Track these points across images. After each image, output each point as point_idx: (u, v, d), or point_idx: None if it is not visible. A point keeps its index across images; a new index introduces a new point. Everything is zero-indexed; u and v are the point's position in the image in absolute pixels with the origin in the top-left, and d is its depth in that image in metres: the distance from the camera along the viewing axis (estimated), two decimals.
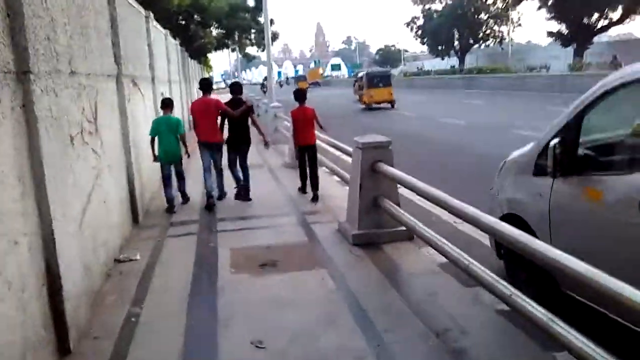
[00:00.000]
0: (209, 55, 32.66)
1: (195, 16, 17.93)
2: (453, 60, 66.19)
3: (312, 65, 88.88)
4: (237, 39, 20.55)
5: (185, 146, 7.05)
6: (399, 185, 5.10)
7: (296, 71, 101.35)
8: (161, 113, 7.21)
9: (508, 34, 54.92)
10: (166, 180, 6.92)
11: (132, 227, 6.05)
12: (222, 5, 17.84)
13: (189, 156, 7.27)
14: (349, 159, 6.17)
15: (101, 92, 4.83)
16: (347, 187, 6.54)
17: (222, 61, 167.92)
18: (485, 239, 4.68)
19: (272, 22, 18.65)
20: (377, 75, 26.88)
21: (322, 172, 8.15)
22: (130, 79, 6.51)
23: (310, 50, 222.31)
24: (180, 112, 13.63)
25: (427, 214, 5.86)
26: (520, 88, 27.19)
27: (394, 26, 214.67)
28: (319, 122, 7.41)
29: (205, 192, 7.09)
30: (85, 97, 4.23)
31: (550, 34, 44.93)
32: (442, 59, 66.40)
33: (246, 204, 7.23)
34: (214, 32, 19.70)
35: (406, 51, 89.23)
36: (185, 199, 7.31)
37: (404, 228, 4.92)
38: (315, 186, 7.19)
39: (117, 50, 5.63)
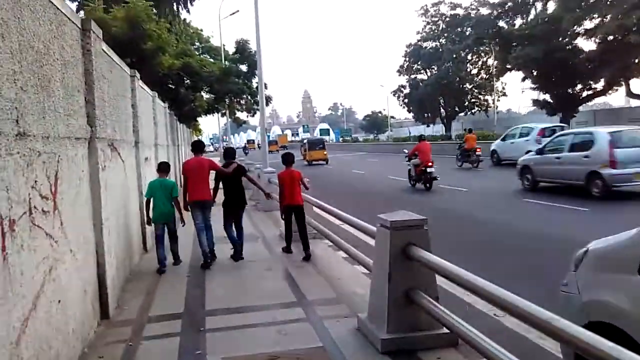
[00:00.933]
0: (199, 119, 32.21)
1: (186, 80, 17.32)
2: (438, 127, 67.29)
3: (300, 130, 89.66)
4: (228, 103, 19.97)
5: (180, 210, 7.21)
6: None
7: (268, 136, 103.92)
8: (149, 178, 7.44)
9: (493, 102, 56.10)
10: (159, 240, 7.02)
11: (98, 324, 4.85)
12: (214, 70, 17.35)
13: (184, 224, 7.45)
14: (350, 228, 6.18)
15: (65, 159, 3.84)
16: (356, 266, 6.44)
17: (211, 125, 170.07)
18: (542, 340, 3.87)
19: (265, 86, 18.20)
20: (315, 141, 39.21)
21: (324, 245, 8.09)
22: (108, 143, 5.55)
23: (298, 116, 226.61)
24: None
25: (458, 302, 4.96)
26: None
27: (380, 93, 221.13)
28: (305, 184, 7.57)
29: (201, 251, 7.16)
30: (40, 167, 3.22)
31: (536, 102, 45.78)
32: (428, 125, 67.46)
33: (240, 279, 6.65)
34: (205, 96, 19.13)
35: (393, 117, 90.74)
36: (177, 260, 7.29)
37: (446, 330, 3.93)
38: (306, 245, 7.32)
39: (92, 110, 4.69)
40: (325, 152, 35.62)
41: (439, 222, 7.51)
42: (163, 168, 7.41)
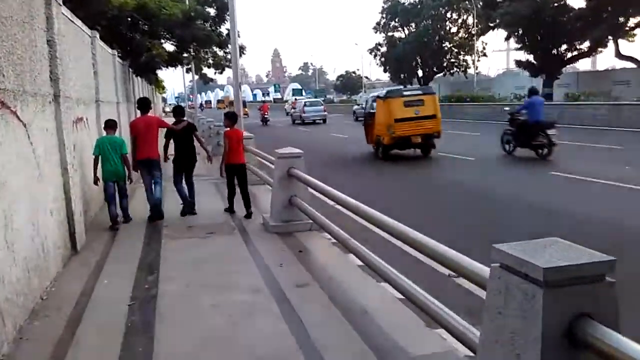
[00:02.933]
0: (160, 74, 29.02)
1: (142, 25, 14.50)
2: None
3: (271, 89, 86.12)
4: (193, 53, 17.05)
5: (129, 167, 7.19)
6: None
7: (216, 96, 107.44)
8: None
9: (473, 63, 54.10)
10: (110, 198, 7.04)
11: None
12: (175, 12, 14.55)
13: (131, 181, 7.45)
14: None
15: None
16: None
17: (176, 83, 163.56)
18: None
19: (238, 34, 15.60)
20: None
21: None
22: None
23: (267, 75, 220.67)
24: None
25: None
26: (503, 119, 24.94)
27: (354, 53, 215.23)
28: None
29: (150, 207, 7.36)
30: None
31: (519, 63, 43.96)
32: (405, 87, 65.23)
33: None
34: (166, 45, 16.29)
35: (367, 78, 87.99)
36: (127, 218, 7.32)
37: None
38: (248, 204, 7.49)
39: None
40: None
41: None
42: (110, 124, 7.24)
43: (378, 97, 15.31)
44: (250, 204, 7.47)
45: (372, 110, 15.35)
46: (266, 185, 9.63)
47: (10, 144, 3.94)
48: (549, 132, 12.16)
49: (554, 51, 40.27)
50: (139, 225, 7.30)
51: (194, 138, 7.86)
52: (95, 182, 6.97)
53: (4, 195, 3.72)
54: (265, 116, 37.53)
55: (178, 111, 8.15)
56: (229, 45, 16.18)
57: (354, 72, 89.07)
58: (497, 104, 28.74)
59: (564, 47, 40.24)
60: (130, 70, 15.82)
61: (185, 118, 7.97)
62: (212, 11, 15.50)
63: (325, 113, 37.57)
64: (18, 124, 4.18)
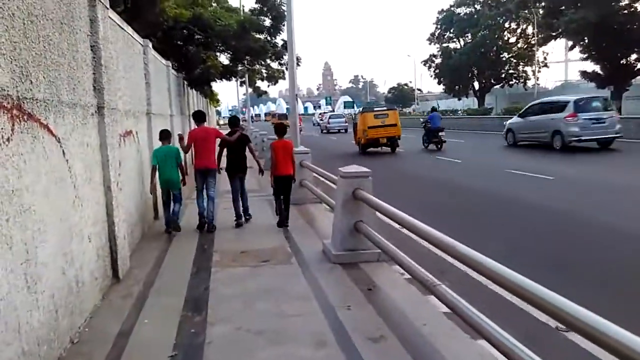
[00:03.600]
0: (214, 86, 29.08)
1: (197, 36, 14.19)
2: (469, 101, 63.03)
3: (322, 102, 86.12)
4: (247, 65, 16.61)
5: (184, 174, 7.56)
6: None
7: (287, 109, 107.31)
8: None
9: (533, 74, 51.76)
10: (166, 205, 7.42)
11: None
12: (230, 23, 14.16)
13: (185, 184, 7.63)
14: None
15: None
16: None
17: (229, 95, 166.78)
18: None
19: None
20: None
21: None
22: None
23: (318, 88, 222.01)
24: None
25: None
26: None
27: (405, 65, 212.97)
28: (292, 157, 7.70)
29: (198, 212, 7.60)
30: None
31: (584, 74, 41.50)
32: (459, 99, 63.24)
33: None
34: (220, 57, 15.96)
35: (419, 90, 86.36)
36: (176, 223, 7.44)
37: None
38: (286, 216, 7.62)
39: None
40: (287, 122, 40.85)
41: None
42: (164, 136, 7.54)
43: (359, 112, 23.92)
44: (288, 216, 7.65)
45: (355, 121, 23.40)
46: (324, 205, 8.94)
47: (38, 163, 3.35)
48: (441, 134, 20.97)
49: (623, 61, 37.81)
50: (188, 246, 6.71)
51: (247, 149, 7.97)
52: (152, 191, 7.49)
53: (27, 224, 3.11)
54: (299, 127, 39.03)
55: (233, 122, 8.28)
56: (284, 57, 15.67)
57: (405, 85, 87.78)
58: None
59: (634, 56, 37.75)
60: (185, 82, 15.57)
61: (239, 128, 8.13)
62: (267, 21, 15.05)
63: (346, 124, 41.85)
64: (50, 138, 3.60)
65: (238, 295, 4.75)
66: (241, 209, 7.88)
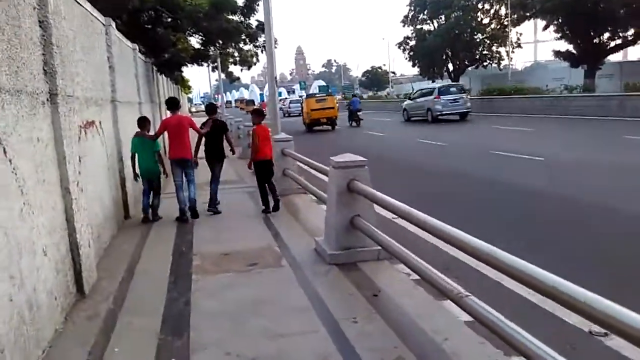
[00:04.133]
0: (185, 73, 27.95)
1: (165, 17, 13.25)
2: (444, 83, 62.85)
3: (296, 87, 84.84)
4: (219, 48, 15.65)
5: (162, 164, 7.47)
6: None
7: (261, 95, 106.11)
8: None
9: (507, 55, 51.73)
10: (144, 193, 7.37)
11: None
12: (201, 3, 13.24)
13: (167, 176, 7.64)
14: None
15: None
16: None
17: (201, 82, 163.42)
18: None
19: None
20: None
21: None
22: None
23: (291, 73, 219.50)
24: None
25: None
26: (562, 112, 22.74)
27: (378, 48, 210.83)
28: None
29: (179, 207, 7.33)
30: None
31: (557, 53, 41.57)
32: (433, 81, 62.94)
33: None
34: (191, 40, 15.01)
35: (393, 73, 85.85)
36: (156, 216, 7.40)
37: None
38: (275, 195, 7.53)
39: None
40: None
41: None
42: (141, 124, 7.40)
43: (304, 98, 30.60)
44: (278, 200, 7.55)
45: (302, 105, 29.31)
46: (309, 195, 8.34)
47: None
48: (359, 114, 27.59)
49: (596, 40, 37.89)
50: (163, 248, 6.04)
51: (224, 138, 7.91)
52: (135, 177, 7.33)
53: None
54: (264, 111, 45.36)
55: (211, 109, 8.15)
56: (259, 39, 14.86)
57: (379, 68, 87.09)
58: (545, 97, 26.64)
59: (607, 35, 37.87)
60: (154, 67, 14.63)
61: (216, 116, 8.07)
62: (240, 0, 14.14)
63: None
64: None
65: (224, 310, 4.10)
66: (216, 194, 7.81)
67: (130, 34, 11.36)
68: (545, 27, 41.63)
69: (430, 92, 27.03)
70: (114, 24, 7.54)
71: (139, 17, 12.65)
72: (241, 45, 16.00)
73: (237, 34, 13.95)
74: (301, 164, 8.62)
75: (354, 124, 27.81)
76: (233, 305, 4.21)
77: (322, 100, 26.84)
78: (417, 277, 4.14)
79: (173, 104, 7.62)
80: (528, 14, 41.88)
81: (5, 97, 3.21)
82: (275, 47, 15.11)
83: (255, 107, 67.18)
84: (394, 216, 5.32)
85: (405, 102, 30.04)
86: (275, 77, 9.44)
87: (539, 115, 23.65)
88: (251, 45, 14.77)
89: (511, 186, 9.13)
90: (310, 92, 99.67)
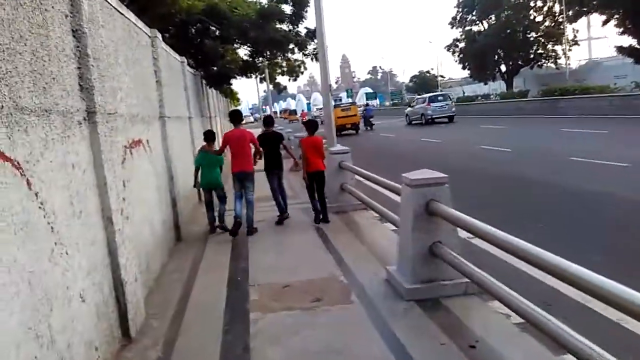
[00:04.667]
0: (233, 83, 27.84)
1: (213, 28, 12.93)
2: (496, 85, 60.55)
3: (343, 94, 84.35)
4: (268, 58, 15.19)
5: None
6: None
7: (308, 104, 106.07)
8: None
9: (564, 52, 49.24)
10: (208, 205, 7.46)
11: None
12: (248, 12, 12.84)
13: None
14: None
15: None
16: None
17: (249, 93, 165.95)
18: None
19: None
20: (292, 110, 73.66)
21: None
22: None
23: (336, 82, 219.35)
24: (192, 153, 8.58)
25: None
26: (636, 112, 20.88)
27: (425, 52, 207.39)
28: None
29: (234, 217, 7.15)
30: None
31: (620, 49, 39.03)
32: (485, 83, 60.84)
33: None
34: (239, 50, 14.64)
35: (442, 77, 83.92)
36: (223, 225, 7.40)
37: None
38: (325, 209, 7.49)
39: None
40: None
41: None
42: (208, 138, 7.63)
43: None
44: (326, 212, 7.56)
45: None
46: (370, 212, 7.62)
47: None
48: (371, 120, 33.98)
49: None
50: (217, 275, 5.49)
51: (283, 147, 8.01)
52: (195, 185, 7.74)
53: None
54: (304, 120, 57.32)
55: (268, 121, 8.27)
56: (308, 46, 14.31)
57: (427, 72, 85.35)
58: (618, 95, 24.47)
59: None
60: (203, 81, 14.35)
61: (273, 128, 8.18)
62: (288, 9, 13.65)
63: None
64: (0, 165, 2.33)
65: None
66: (282, 204, 7.79)
67: (178, 46, 11.06)
68: (605, 22, 39.25)
69: (423, 100, 33.53)
70: (159, 36, 7.12)
71: (186, 30, 12.37)
72: (289, 55, 15.49)
73: (286, 42, 13.45)
74: (361, 178, 7.92)
75: (368, 128, 33.22)
76: (299, 355, 3.54)
77: (346, 109, 31.63)
78: (520, 319, 3.35)
79: (236, 117, 7.55)
80: (585, 9, 39.63)
81: (29, 118, 2.68)
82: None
83: (296, 117, 63.76)
84: (469, 235, 4.54)
85: (407, 109, 36.96)
86: (330, 85, 8.81)
87: (609, 115, 21.84)
88: (300, 53, 14.30)
89: (608, 198, 8.08)
90: (357, 99, 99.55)
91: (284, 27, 13.66)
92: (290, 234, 7.19)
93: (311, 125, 7.71)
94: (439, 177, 4.51)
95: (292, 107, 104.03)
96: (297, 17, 13.45)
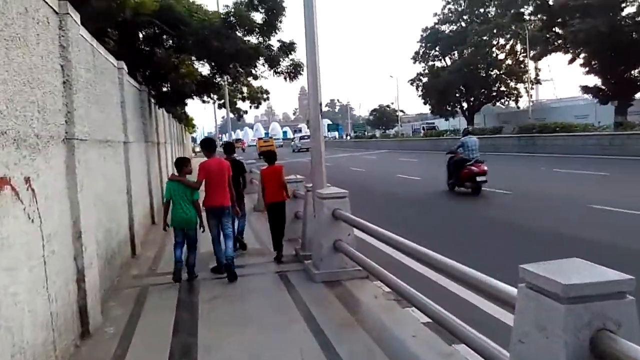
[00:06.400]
0: (188, 106, 25.21)
1: (167, 36, 10.50)
2: (455, 121, 60.30)
3: (303, 126, 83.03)
4: (232, 74, 12.62)
5: (200, 214, 6.29)
6: None
7: (266, 133, 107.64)
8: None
9: (526, 91, 49.39)
10: (177, 245, 6.26)
11: None
12: (211, 18, 10.51)
13: (203, 230, 6.36)
14: None
15: None
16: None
17: (204, 120, 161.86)
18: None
19: (293, 46, 11.60)
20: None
21: None
22: None
23: (294, 113, 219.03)
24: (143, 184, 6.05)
25: None
26: (623, 152, 19.41)
27: (383, 87, 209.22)
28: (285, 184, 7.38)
29: (217, 261, 6.45)
30: None
31: (585, 89, 39.06)
32: (446, 119, 60.51)
33: None
34: (198, 67, 12.18)
35: (402, 112, 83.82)
36: (192, 275, 6.24)
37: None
38: (279, 244, 7.09)
39: None
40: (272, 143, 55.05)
41: None
42: (182, 163, 6.43)
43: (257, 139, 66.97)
44: (281, 248, 7.07)
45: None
46: (376, 283, 5.28)
47: None
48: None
49: (627, 75, 35.43)
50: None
51: (241, 181, 7.61)
52: (165, 227, 6.54)
53: None
54: (241, 147, 61.31)
55: (229, 148, 7.94)
56: (281, 62, 12.04)
57: (387, 106, 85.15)
58: (607, 134, 23.11)
59: (639, 70, 35.44)
60: (151, 99, 11.81)
61: (234, 156, 7.84)
62: (258, 17, 11.31)
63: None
64: None
65: None
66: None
67: (122, 55, 8.58)
68: (571, 61, 39.37)
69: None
70: (72, 12, 4.61)
71: (133, 35, 9.90)
72: (256, 72, 13.03)
73: (255, 56, 11.10)
74: (366, 236, 5.55)
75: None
76: None
77: (267, 140, 53.41)
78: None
79: (209, 145, 6.70)
80: (550, 48, 39.63)
81: None
82: (300, 74, 12.38)
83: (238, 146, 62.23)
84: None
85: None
86: (320, 104, 6.51)
87: (598, 155, 20.42)
88: (271, 71, 11.91)
89: None
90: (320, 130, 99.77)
91: (253, 39, 11.37)
92: (258, 309, 4.75)
93: (269, 155, 7.61)
94: None
95: (252, 137, 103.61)
96: (269, 27, 11.18)
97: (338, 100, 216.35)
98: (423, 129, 44.59)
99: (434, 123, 46.33)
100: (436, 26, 57.20)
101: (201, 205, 6.34)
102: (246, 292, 5.59)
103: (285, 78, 11.97)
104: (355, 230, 5.69)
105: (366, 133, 76.82)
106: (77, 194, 4.28)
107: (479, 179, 12.58)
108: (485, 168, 12.73)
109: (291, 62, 11.89)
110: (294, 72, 11.89)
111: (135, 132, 8.89)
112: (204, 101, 19.77)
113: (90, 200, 4.58)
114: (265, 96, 29.40)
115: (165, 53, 10.24)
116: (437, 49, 57.10)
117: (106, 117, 6.09)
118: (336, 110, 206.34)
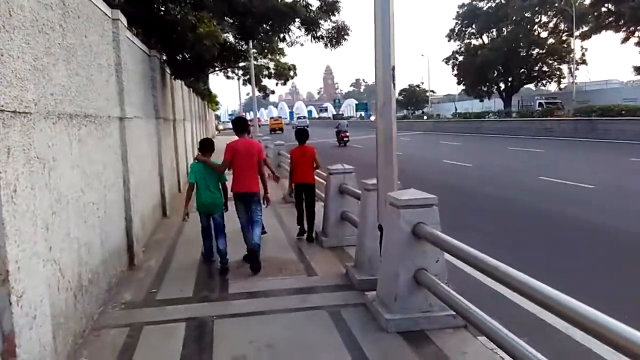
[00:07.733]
0: (209, 77, 23.36)
1: None
2: (490, 103, 57.21)
3: (330, 105, 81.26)
4: (263, 38, 10.59)
5: (226, 197, 6.01)
6: None
7: (291, 112, 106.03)
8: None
9: (570, 72, 46.07)
10: (204, 232, 6.07)
11: None
12: None
13: (227, 209, 6.07)
14: None
15: None
16: None
17: (228, 98, 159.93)
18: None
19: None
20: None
21: None
22: None
23: (319, 92, 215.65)
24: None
25: None
26: None
27: (412, 66, 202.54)
28: (318, 162, 6.92)
29: (247, 250, 5.81)
30: None
31: (637, 69, 36.01)
32: (481, 100, 57.47)
33: None
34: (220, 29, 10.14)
35: (433, 92, 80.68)
36: (224, 259, 5.71)
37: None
38: (310, 225, 6.86)
39: None
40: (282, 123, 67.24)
41: None
42: (206, 147, 6.00)
43: (270, 118, 78.17)
44: (313, 227, 6.83)
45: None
46: (481, 337, 3.34)
47: None
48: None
49: None
50: None
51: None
52: (184, 217, 6.01)
53: None
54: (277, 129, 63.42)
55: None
56: (320, 25, 10.00)
57: (417, 86, 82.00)
58: None
59: None
60: (166, 68, 9.95)
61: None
62: None
63: (307, 122, 67.15)
64: None
65: None
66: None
67: (129, 12, 6.73)
68: (625, 40, 36.30)
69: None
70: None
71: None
72: (289, 36, 10.91)
73: (291, 16, 9.11)
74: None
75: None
76: None
77: (276, 120, 64.40)
78: None
79: (241, 125, 6.06)
80: (605, 23, 36.55)
81: None
82: (345, 40, 10.31)
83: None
84: None
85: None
86: (393, 66, 4.60)
87: None
88: (309, 35, 9.91)
89: None
90: (341, 110, 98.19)
91: None
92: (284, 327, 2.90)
93: (301, 134, 7.11)
94: None
95: (282, 115, 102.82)
96: None
97: (364, 80, 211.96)
98: (541, 105, 39.72)
99: (555, 97, 41.92)
100: (473, 2, 53.93)
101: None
102: (284, 348, 3.72)
103: (325, 44, 9.97)
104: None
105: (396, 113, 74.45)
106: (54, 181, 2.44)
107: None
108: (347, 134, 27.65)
109: (334, 24, 9.82)
110: (336, 37, 9.86)
111: (141, 105, 7.06)
112: (228, 77, 17.90)
113: (30, 213, 2.73)
114: (292, 73, 27.37)
115: (181, 10, 8.32)
116: (473, 26, 53.94)
117: (86, 82, 4.23)
118: (361, 90, 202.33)
